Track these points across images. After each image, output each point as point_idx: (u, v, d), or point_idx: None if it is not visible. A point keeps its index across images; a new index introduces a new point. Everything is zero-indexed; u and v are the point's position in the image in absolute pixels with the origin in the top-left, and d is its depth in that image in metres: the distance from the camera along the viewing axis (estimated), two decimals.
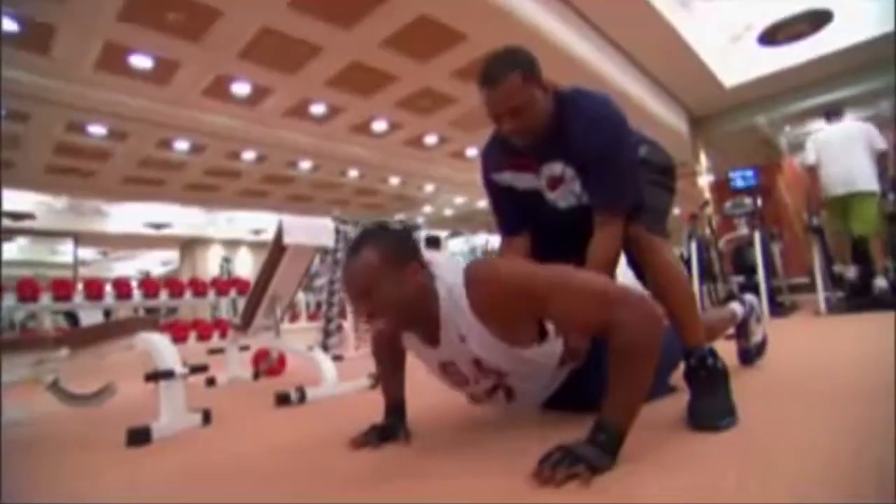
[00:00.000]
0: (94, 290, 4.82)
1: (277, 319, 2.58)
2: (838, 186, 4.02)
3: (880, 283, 3.87)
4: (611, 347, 0.95)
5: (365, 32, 4.88)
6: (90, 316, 6.44)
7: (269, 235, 2.70)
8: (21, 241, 9.90)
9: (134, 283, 5.22)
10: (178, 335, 5.31)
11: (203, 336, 5.57)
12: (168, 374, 1.63)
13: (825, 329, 3.30)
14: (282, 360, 3.04)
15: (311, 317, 6.73)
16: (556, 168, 1.30)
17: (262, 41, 4.90)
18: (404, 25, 4.78)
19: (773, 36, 6.15)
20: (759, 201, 5.37)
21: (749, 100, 7.65)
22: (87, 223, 10.39)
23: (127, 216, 10.62)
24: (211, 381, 2.71)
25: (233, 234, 12.63)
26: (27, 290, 4.43)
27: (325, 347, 4.05)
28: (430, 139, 8.01)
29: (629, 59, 6.07)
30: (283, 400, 1.97)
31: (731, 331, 1.80)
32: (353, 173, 9.30)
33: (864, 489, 0.77)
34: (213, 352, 3.31)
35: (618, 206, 1.26)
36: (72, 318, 7.03)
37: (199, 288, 5.42)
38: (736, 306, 1.80)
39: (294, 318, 6.70)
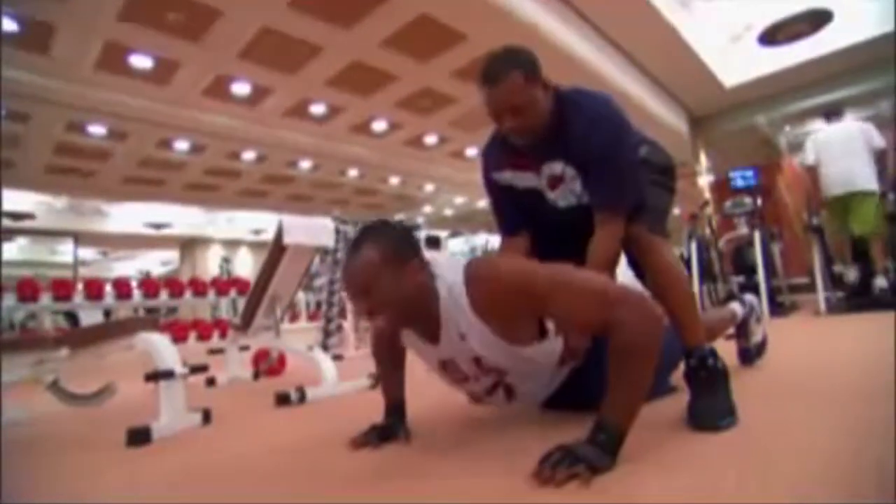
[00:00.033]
0: (94, 290, 4.82)
1: (277, 319, 2.58)
2: (838, 186, 4.02)
3: (880, 282, 3.87)
4: (610, 347, 0.95)
5: (365, 32, 4.88)
6: (90, 316, 6.45)
7: (269, 235, 2.70)
8: (21, 240, 9.91)
9: (134, 283, 5.22)
10: (178, 335, 5.31)
11: (203, 336, 5.57)
12: (168, 374, 1.63)
13: (825, 329, 3.30)
14: (282, 360, 3.04)
15: (311, 317, 6.73)
16: (557, 167, 1.30)
17: (262, 41, 4.90)
18: (404, 25, 4.78)
19: (773, 36, 6.15)
20: (759, 201, 5.37)
21: (749, 100, 7.64)
22: (87, 223, 10.39)
23: (127, 216, 10.62)
24: (211, 381, 2.71)
25: (233, 234, 12.63)
26: (27, 290, 4.43)
27: (325, 347, 4.05)
28: (430, 139, 8.01)
29: (629, 59, 6.07)
30: (283, 400, 1.97)
31: (731, 331, 1.80)
32: (353, 173, 9.30)
33: (864, 489, 0.77)
34: (213, 352, 3.31)
35: (618, 206, 1.26)
36: (72, 318, 7.03)
37: (199, 288, 5.42)
38: (736, 306, 1.80)
39: (294, 317, 6.70)
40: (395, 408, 1.32)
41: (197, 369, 1.82)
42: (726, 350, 1.43)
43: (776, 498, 0.74)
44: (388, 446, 1.22)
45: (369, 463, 1.12)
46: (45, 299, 4.52)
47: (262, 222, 11.83)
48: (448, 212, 13.20)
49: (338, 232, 4.13)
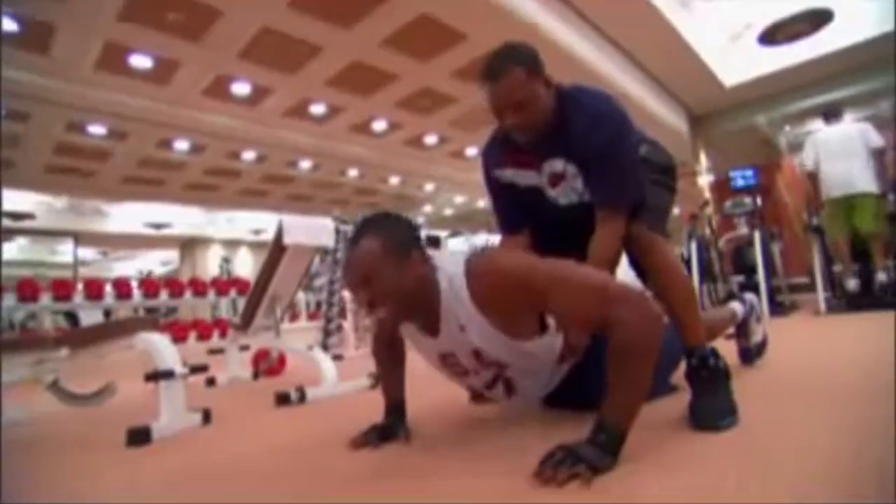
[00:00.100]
0: (94, 290, 4.81)
1: (277, 319, 2.58)
2: (837, 189, 4.02)
3: (881, 277, 3.87)
4: (610, 346, 0.94)
5: (365, 32, 4.88)
6: (90, 316, 6.45)
7: (268, 235, 2.70)
8: (21, 240, 9.90)
9: (134, 283, 5.22)
10: (178, 335, 5.31)
11: (203, 336, 5.57)
12: (168, 374, 1.63)
13: (825, 329, 3.30)
14: (282, 360, 3.03)
15: (311, 316, 6.72)
16: (558, 165, 1.30)
17: (262, 41, 4.90)
18: (404, 25, 4.78)
19: (773, 36, 6.15)
20: (759, 201, 5.37)
21: (749, 99, 7.64)
22: (87, 223, 10.39)
23: (127, 216, 10.62)
24: (211, 381, 2.71)
25: (233, 234, 12.63)
26: (27, 290, 4.43)
27: (325, 347, 4.05)
28: (430, 139, 8.01)
29: (629, 59, 6.07)
30: (283, 400, 1.97)
31: (732, 330, 1.80)
32: (353, 173, 9.30)
33: (864, 489, 0.77)
34: (213, 352, 3.31)
35: (619, 204, 1.26)
36: (72, 318, 7.03)
37: (198, 288, 5.42)
38: (736, 306, 1.80)
39: (294, 317, 6.70)
40: (395, 407, 1.32)
41: (197, 369, 1.82)
42: (726, 349, 1.43)
43: (776, 498, 0.74)
44: (388, 446, 1.21)
45: (369, 463, 1.12)
46: (45, 299, 4.52)
47: (262, 222, 11.82)
48: (448, 211, 13.20)
49: (338, 232, 4.13)
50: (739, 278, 5.05)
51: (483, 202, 11.49)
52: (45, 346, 2.02)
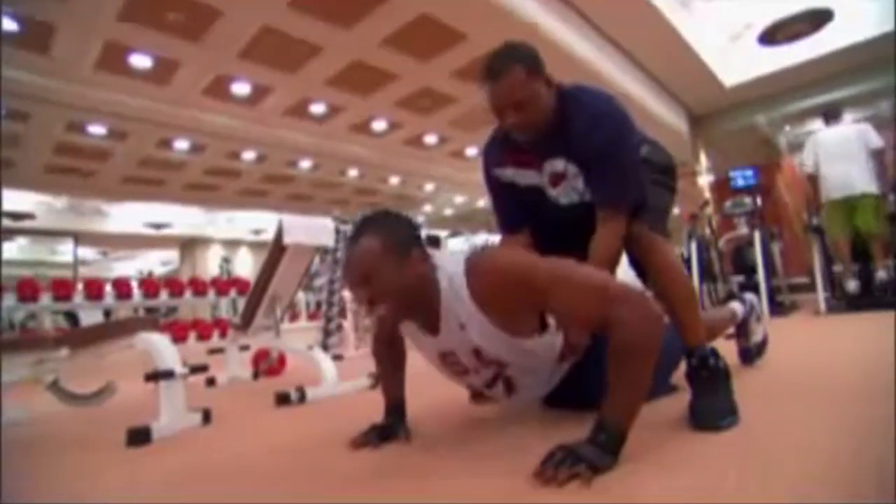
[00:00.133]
0: (93, 289, 4.81)
1: (277, 319, 2.58)
2: (837, 191, 4.03)
3: (881, 274, 3.88)
4: (610, 346, 0.94)
5: (365, 32, 4.88)
6: (90, 316, 6.45)
7: (268, 235, 2.70)
8: (21, 240, 9.90)
9: (134, 283, 5.22)
10: (178, 335, 5.31)
11: (203, 336, 5.57)
12: (168, 374, 1.63)
13: (825, 329, 3.30)
14: (282, 360, 3.03)
15: (311, 316, 6.72)
16: (559, 164, 1.30)
17: (262, 41, 4.89)
18: (404, 25, 4.78)
19: (773, 35, 6.15)
20: (759, 201, 5.37)
21: (749, 99, 7.64)
22: (86, 223, 10.38)
23: (127, 216, 10.62)
24: (211, 381, 2.71)
25: (233, 234, 12.63)
26: (27, 290, 4.42)
27: (325, 347, 4.05)
28: (430, 139, 8.01)
29: (629, 59, 6.07)
30: (283, 400, 1.97)
31: (732, 330, 1.80)
32: (353, 173, 9.30)
33: (864, 489, 0.77)
34: (213, 351, 3.31)
35: (620, 203, 1.26)
36: (72, 317, 7.03)
37: (198, 288, 5.42)
38: (736, 306, 1.80)
39: (294, 317, 6.70)
40: (396, 407, 1.32)
41: (197, 369, 1.82)
42: (726, 349, 1.43)
43: (776, 498, 0.74)
44: (388, 446, 1.21)
45: (369, 463, 1.12)
46: (45, 299, 4.51)
47: (262, 222, 11.82)
48: (448, 211, 13.20)
49: (338, 232, 4.13)
50: (739, 278, 5.05)
51: (483, 202, 11.49)
52: (45, 346, 2.02)
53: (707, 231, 5.67)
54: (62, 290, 4.65)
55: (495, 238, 1.71)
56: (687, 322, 1.25)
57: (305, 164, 8.59)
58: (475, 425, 1.38)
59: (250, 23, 4.64)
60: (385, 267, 1.05)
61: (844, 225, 4.05)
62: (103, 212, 10.42)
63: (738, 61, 6.63)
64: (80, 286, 4.83)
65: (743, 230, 5.02)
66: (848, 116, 4.66)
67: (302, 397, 2.00)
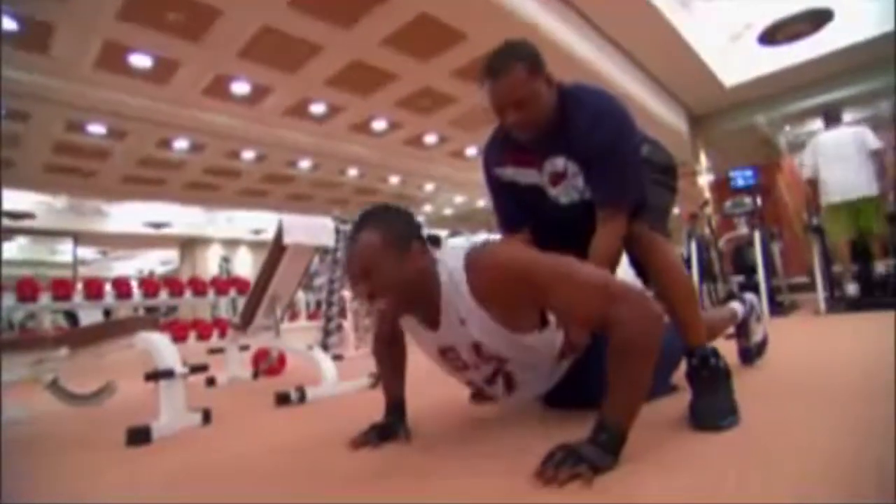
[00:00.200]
0: (93, 289, 4.81)
1: (277, 319, 2.58)
2: (837, 194, 4.03)
3: (880, 268, 3.89)
4: (610, 345, 0.94)
5: (365, 31, 4.88)
6: (90, 315, 6.45)
7: (268, 235, 2.70)
8: (21, 240, 9.90)
9: (134, 283, 5.21)
10: (178, 334, 5.31)
11: (203, 335, 5.57)
12: (168, 374, 1.63)
13: (825, 328, 3.30)
14: (281, 360, 3.03)
15: (311, 316, 6.72)
16: (559, 163, 1.30)
17: (261, 40, 4.89)
18: (404, 24, 4.78)
19: (773, 35, 6.15)
20: (759, 201, 5.36)
21: (749, 99, 7.65)
22: (86, 222, 10.38)
23: (126, 215, 10.62)
24: (211, 381, 2.71)
25: (232, 234, 12.63)
26: (27, 290, 4.42)
27: (325, 347, 4.05)
28: (430, 138, 8.01)
29: (629, 59, 6.07)
30: (283, 399, 1.97)
31: (732, 330, 1.80)
32: (353, 172, 9.30)
33: (865, 489, 0.77)
34: (213, 351, 3.31)
35: (621, 203, 1.26)
36: (71, 317, 7.03)
37: (198, 287, 5.42)
38: (736, 305, 1.80)
39: (294, 317, 6.70)
40: (396, 407, 1.32)
41: (197, 369, 1.82)
42: (726, 349, 1.43)
43: (777, 498, 0.74)
44: (388, 446, 1.21)
45: (369, 463, 1.12)
46: (45, 299, 4.51)
47: (261, 222, 11.82)
48: (448, 211, 13.20)
49: (338, 231, 4.13)
50: (739, 278, 5.05)
51: (483, 202, 11.49)
52: (45, 345, 2.02)
53: (707, 231, 5.67)
54: (62, 289, 4.65)
55: (495, 237, 1.71)
56: (688, 322, 1.25)
57: (305, 163, 8.59)
58: (475, 425, 1.37)
59: (250, 22, 4.64)
60: (385, 261, 1.05)
61: (844, 228, 4.06)
62: (103, 211, 10.42)
63: (738, 61, 6.64)
64: (79, 286, 4.83)
65: (743, 230, 5.02)
66: (848, 117, 4.66)
67: (302, 397, 1.99)
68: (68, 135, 6.54)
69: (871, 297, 3.93)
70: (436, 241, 6.66)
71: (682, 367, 1.29)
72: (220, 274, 10.21)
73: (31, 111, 5.75)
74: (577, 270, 1.03)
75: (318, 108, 6.62)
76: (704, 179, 8.14)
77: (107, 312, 7.43)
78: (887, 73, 6.17)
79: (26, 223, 9.39)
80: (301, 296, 6.57)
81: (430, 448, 1.19)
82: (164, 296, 5.20)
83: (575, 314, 1.05)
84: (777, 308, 4.52)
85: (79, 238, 10.59)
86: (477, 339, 1.12)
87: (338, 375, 2.21)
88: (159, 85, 5.61)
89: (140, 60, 5.08)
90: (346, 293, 4.39)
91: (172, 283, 5.37)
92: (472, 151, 8.44)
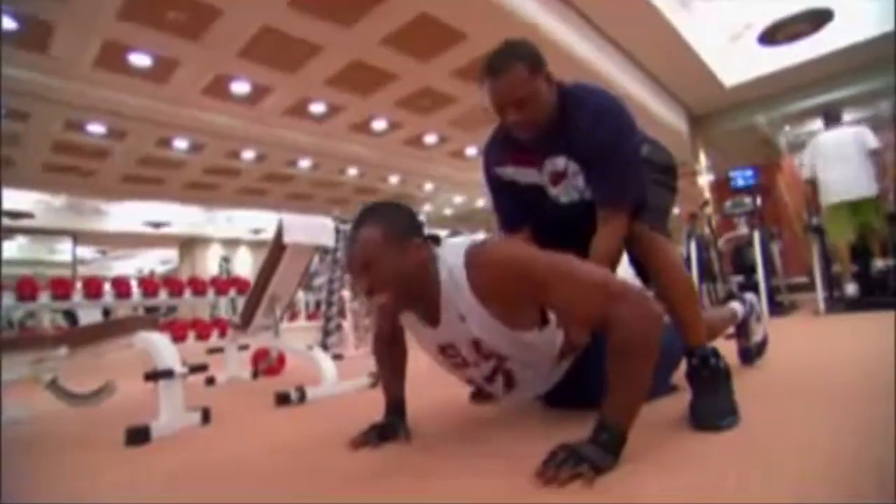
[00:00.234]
0: (93, 288, 4.80)
1: (277, 319, 2.58)
2: (836, 195, 4.04)
3: (878, 264, 3.89)
4: (609, 345, 0.94)
5: (365, 31, 4.87)
6: (89, 315, 6.45)
7: (268, 234, 2.70)
8: (20, 239, 9.89)
9: (133, 282, 5.21)
10: (178, 334, 5.31)
11: (202, 335, 5.56)
12: (167, 374, 1.63)
13: (825, 328, 3.30)
14: (281, 360, 3.03)
15: (311, 316, 6.72)
16: (560, 162, 1.30)
17: (261, 40, 4.89)
18: (404, 24, 4.77)
19: (773, 35, 6.15)
20: (759, 200, 5.37)
21: (749, 99, 7.65)
22: (86, 222, 10.37)
23: (126, 215, 10.61)
24: (210, 381, 2.71)
25: (232, 233, 12.62)
26: (26, 289, 4.41)
27: (325, 346, 4.05)
28: (430, 138, 8.01)
29: (629, 59, 6.07)
30: (282, 399, 1.97)
31: (731, 330, 1.80)
32: (353, 172, 9.30)
33: (865, 489, 0.77)
34: (213, 351, 3.30)
35: (621, 202, 1.26)
36: (71, 316, 7.03)
37: (198, 287, 5.41)
38: (736, 305, 1.80)
39: (293, 317, 6.70)
40: (396, 406, 1.32)
41: (196, 368, 1.82)
42: (726, 349, 1.43)
43: (777, 498, 0.74)
44: (388, 446, 1.21)
45: (369, 463, 1.12)
46: (44, 298, 4.50)
47: (261, 221, 11.82)
48: (448, 211, 13.20)
49: (337, 231, 4.13)
50: (739, 278, 5.06)
51: (482, 202, 11.50)
52: (45, 344, 2.02)
53: (707, 231, 5.67)
54: (61, 288, 4.64)
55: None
56: (688, 321, 1.25)
57: (305, 163, 8.59)
58: (475, 425, 1.37)
59: (250, 22, 4.63)
60: (385, 255, 1.05)
61: (844, 228, 4.07)
62: (102, 211, 10.41)
63: (738, 61, 6.64)
64: (79, 285, 4.82)
65: (743, 230, 5.02)
66: (847, 117, 4.66)
67: (302, 397, 1.99)
68: (68, 134, 6.53)
69: (870, 297, 3.93)
70: (436, 240, 6.68)
71: (682, 367, 1.29)
72: (219, 273, 10.20)
73: (30, 110, 5.74)
74: (577, 268, 1.03)
75: (317, 108, 6.62)
76: (704, 179, 8.14)
77: (106, 312, 7.44)
78: (887, 73, 6.17)
79: (26, 222, 9.39)
80: (301, 296, 6.57)
81: (430, 448, 1.19)
82: (163, 295, 5.19)
83: (575, 312, 1.04)
84: (777, 308, 4.53)
85: (78, 237, 10.58)
86: (476, 335, 1.12)
87: (338, 375, 2.20)
88: (159, 84, 5.61)
89: (140, 60, 5.07)
90: (346, 293, 4.39)
91: (172, 283, 5.36)
92: (471, 151, 8.44)
